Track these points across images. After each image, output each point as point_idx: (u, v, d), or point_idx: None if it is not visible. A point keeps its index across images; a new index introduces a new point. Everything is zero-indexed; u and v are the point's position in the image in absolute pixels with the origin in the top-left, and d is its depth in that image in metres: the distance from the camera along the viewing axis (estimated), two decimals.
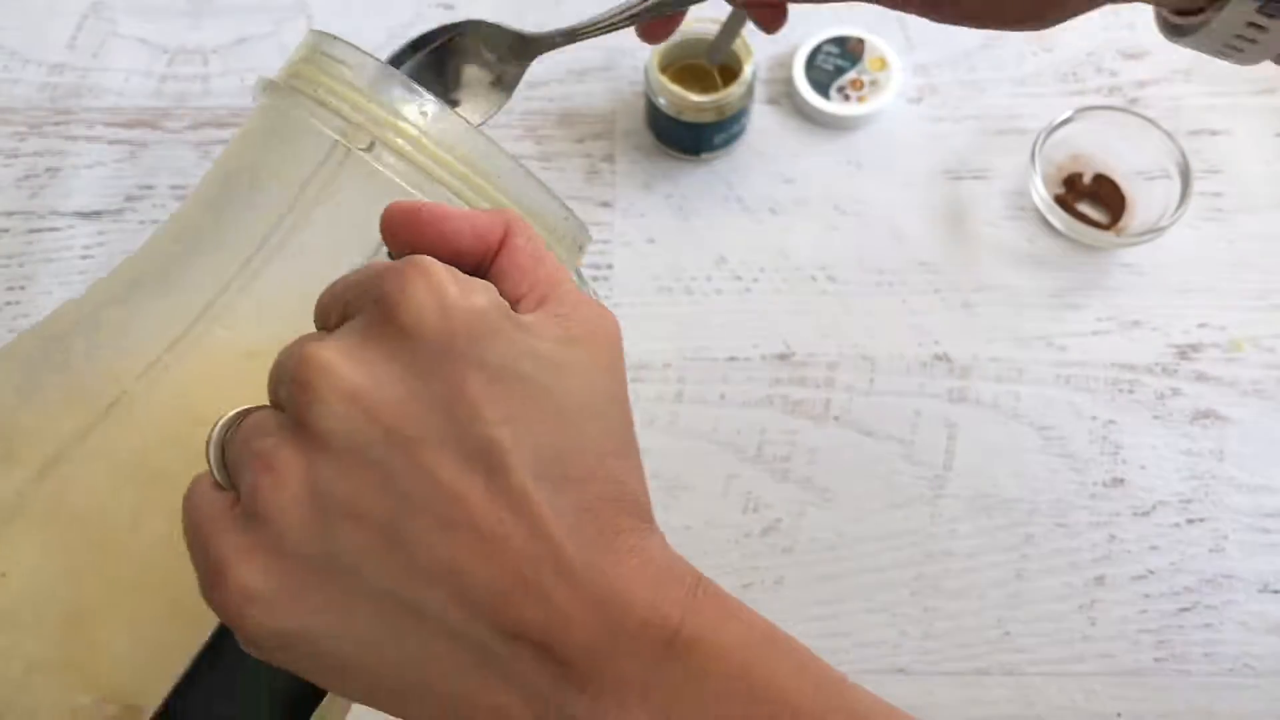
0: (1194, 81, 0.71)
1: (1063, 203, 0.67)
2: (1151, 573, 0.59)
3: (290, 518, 0.25)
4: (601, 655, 0.25)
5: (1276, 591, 0.59)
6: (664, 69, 0.66)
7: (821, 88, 0.69)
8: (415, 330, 0.26)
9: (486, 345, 0.26)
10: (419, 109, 0.35)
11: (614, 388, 0.28)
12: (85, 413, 0.32)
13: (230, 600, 0.25)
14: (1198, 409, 0.62)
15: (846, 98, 0.69)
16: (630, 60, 0.72)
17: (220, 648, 0.28)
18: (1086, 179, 0.68)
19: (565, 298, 0.29)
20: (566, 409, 0.27)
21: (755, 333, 0.64)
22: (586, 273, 0.61)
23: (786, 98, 0.70)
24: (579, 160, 0.68)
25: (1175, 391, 0.63)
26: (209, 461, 0.27)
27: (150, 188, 0.68)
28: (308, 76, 0.36)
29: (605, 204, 0.67)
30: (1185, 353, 0.64)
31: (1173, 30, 0.40)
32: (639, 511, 0.27)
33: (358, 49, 0.36)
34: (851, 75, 0.69)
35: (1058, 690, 0.57)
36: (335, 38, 0.37)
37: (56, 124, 0.70)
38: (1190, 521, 0.60)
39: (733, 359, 0.63)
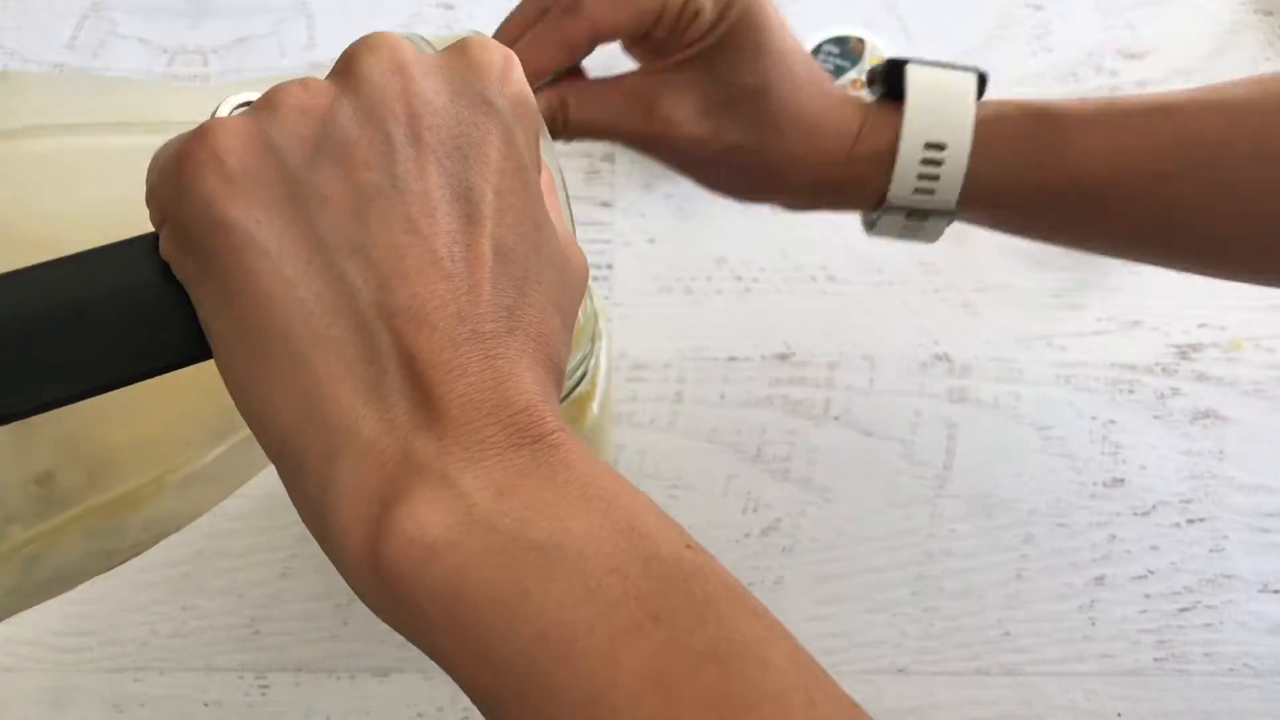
0: (1194, 81, 0.71)
1: None
2: (1151, 573, 0.59)
3: (294, 122, 0.26)
4: (476, 413, 0.24)
5: (1276, 591, 0.59)
6: None
7: None
8: (477, 68, 0.27)
9: (521, 129, 0.28)
10: None
11: (576, 290, 0.29)
12: (77, 113, 0.32)
13: (199, 154, 0.25)
14: (1198, 409, 0.62)
15: None
16: (630, 61, 0.71)
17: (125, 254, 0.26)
18: None
19: (561, 229, 0.30)
20: (543, 248, 0.27)
21: (755, 333, 0.64)
22: None
23: None
24: (579, 160, 0.68)
25: (1175, 391, 0.63)
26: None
27: None
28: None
29: (605, 204, 0.67)
30: (1185, 353, 0.64)
31: (867, 225, 0.50)
32: (556, 373, 0.28)
33: None
34: (852, 75, 0.69)
35: (1058, 690, 0.57)
36: None
37: None
38: (1190, 521, 0.60)
39: (733, 359, 0.63)
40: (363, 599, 0.25)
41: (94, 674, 0.57)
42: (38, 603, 0.32)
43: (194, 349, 0.26)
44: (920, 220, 0.47)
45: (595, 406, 0.50)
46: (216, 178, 0.25)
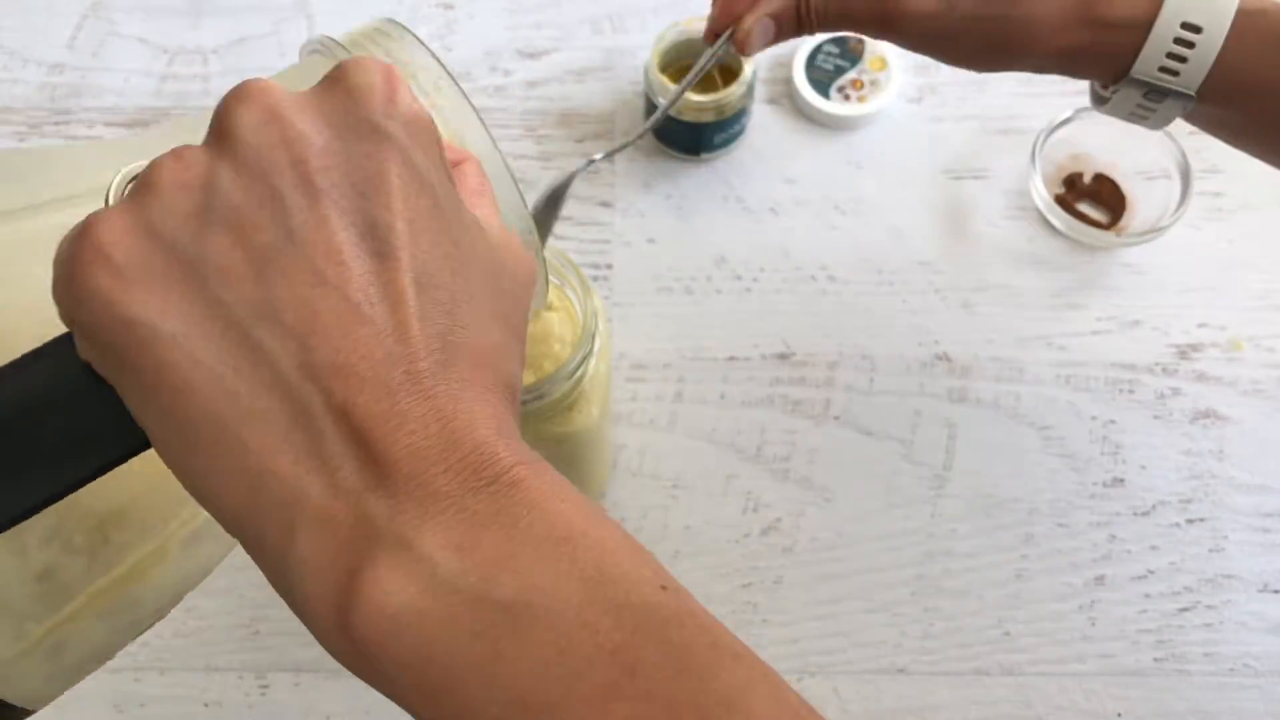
0: None
1: (1063, 203, 0.67)
2: (1151, 573, 0.59)
3: (174, 200, 0.24)
4: (424, 463, 0.23)
5: (1276, 591, 0.59)
6: (664, 69, 0.66)
7: (822, 87, 0.69)
8: (358, 94, 0.25)
9: (419, 149, 0.26)
10: (435, 79, 0.34)
11: (518, 292, 0.28)
12: (20, 198, 0.30)
13: (84, 255, 0.23)
14: (1198, 409, 0.62)
15: (847, 97, 0.69)
16: (630, 60, 0.71)
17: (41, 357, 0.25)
18: (1087, 179, 0.68)
19: (494, 228, 0.28)
20: (467, 262, 0.26)
21: (755, 333, 0.64)
22: (587, 273, 0.61)
23: (786, 98, 0.70)
24: (579, 160, 0.68)
25: (1175, 391, 0.63)
26: (106, 201, 0.26)
27: None
28: (353, 39, 0.35)
29: (605, 204, 0.67)
30: (1185, 353, 0.64)
31: (1096, 100, 0.51)
32: (508, 394, 0.26)
33: (413, 34, 0.35)
34: (852, 75, 0.69)
35: (1058, 690, 0.57)
36: (402, 26, 0.36)
37: (56, 124, 0.70)
38: (1190, 521, 0.60)
39: (733, 359, 0.63)
40: (341, 664, 0.24)
41: (94, 674, 0.57)
42: (81, 679, 0.32)
43: (135, 440, 0.25)
44: (1156, 101, 0.47)
45: (595, 407, 0.50)
46: (106, 275, 0.23)
